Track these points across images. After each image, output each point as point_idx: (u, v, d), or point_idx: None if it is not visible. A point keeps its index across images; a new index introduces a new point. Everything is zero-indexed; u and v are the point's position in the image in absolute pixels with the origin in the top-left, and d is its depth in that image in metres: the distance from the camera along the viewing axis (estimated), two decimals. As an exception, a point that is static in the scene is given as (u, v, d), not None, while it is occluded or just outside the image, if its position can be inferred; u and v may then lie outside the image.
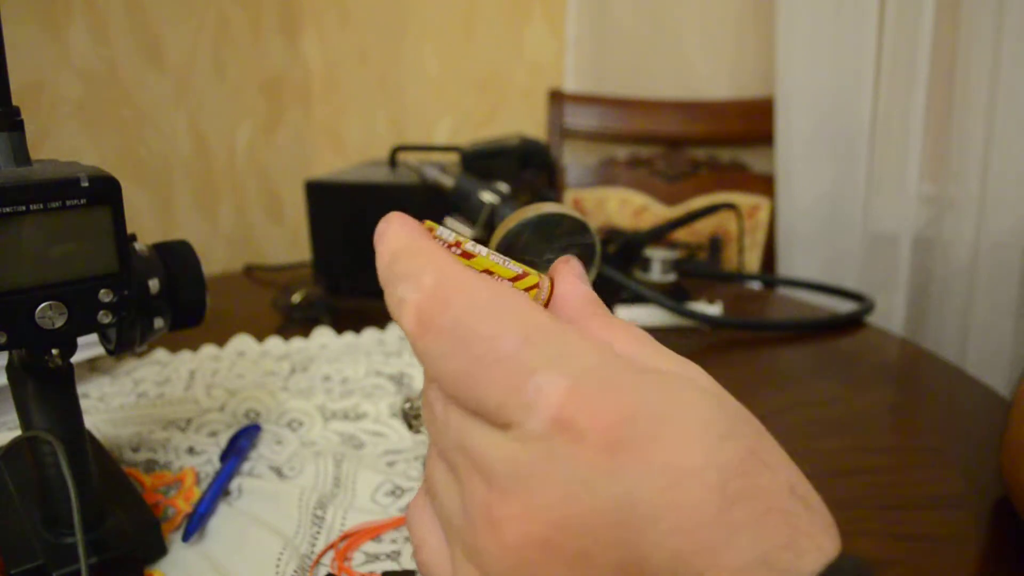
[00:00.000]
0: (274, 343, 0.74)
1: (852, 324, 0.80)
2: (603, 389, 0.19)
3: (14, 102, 0.34)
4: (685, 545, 0.18)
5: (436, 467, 0.23)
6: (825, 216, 1.29)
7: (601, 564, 0.18)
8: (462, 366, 0.20)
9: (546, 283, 0.25)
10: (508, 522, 0.19)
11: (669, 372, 0.21)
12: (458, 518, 0.21)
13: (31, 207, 0.32)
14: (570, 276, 0.25)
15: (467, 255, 0.23)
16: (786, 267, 1.32)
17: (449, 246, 0.23)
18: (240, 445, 0.52)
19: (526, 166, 0.85)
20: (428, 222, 0.24)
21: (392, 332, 0.76)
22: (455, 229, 0.73)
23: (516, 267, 0.24)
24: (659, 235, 0.91)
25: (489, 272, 0.23)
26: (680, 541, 0.18)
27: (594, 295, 0.24)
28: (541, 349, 0.19)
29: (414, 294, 0.21)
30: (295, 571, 0.40)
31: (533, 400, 0.19)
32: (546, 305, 0.24)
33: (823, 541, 0.19)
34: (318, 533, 0.44)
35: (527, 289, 0.24)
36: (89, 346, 0.60)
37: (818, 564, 0.18)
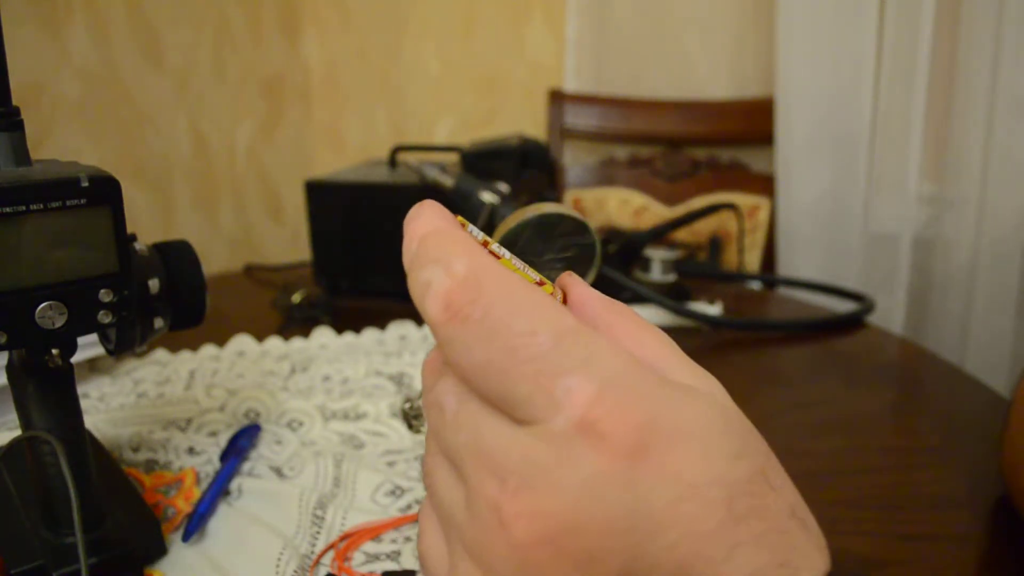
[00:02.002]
0: (274, 343, 0.74)
1: (852, 324, 0.80)
2: (628, 397, 0.19)
3: (14, 102, 0.34)
4: (689, 557, 0.18)
5: (438, 465, 0.22)
6: (825, 216, 1.29)
7: (607, 568, 0.18)
8: (492, 357, 0.19)
9: (559, 294, 0.25)
10: (518, 520, 0.19)
11: (690, 386, 0.21)
12: (460, 515, 0.21)
13: (31, 207, 0.32)
14: (581, 283, 0.25)
15: (493, 255, 0.23)
16: (786, 267, 1.32)
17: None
18: (240, 445, 0.52)
19: (526, 166, 0.85)
20: (460, 218, 0.23)
21: (392, 332, 0.76)
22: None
23: (535, 275, 0.24)
24: (659, 235, 0.91)
25: None
26: (685, 552, 0.18)
27: (612, 300, 0.25)
28: (573, 351, 0.19)
29: (444, 279, 0.20)
30: (295, 571, 0.40)
31: (561, 400, 0.19)
32: None
33: (817, 560, 0.20)
34: (318, 533, 0.44)
35: None
36: (89, 346, 0.60)
37: None
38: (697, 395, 0.21)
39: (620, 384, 0.19)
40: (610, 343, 0.20)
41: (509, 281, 0.20)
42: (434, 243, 0.21)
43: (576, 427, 0.18)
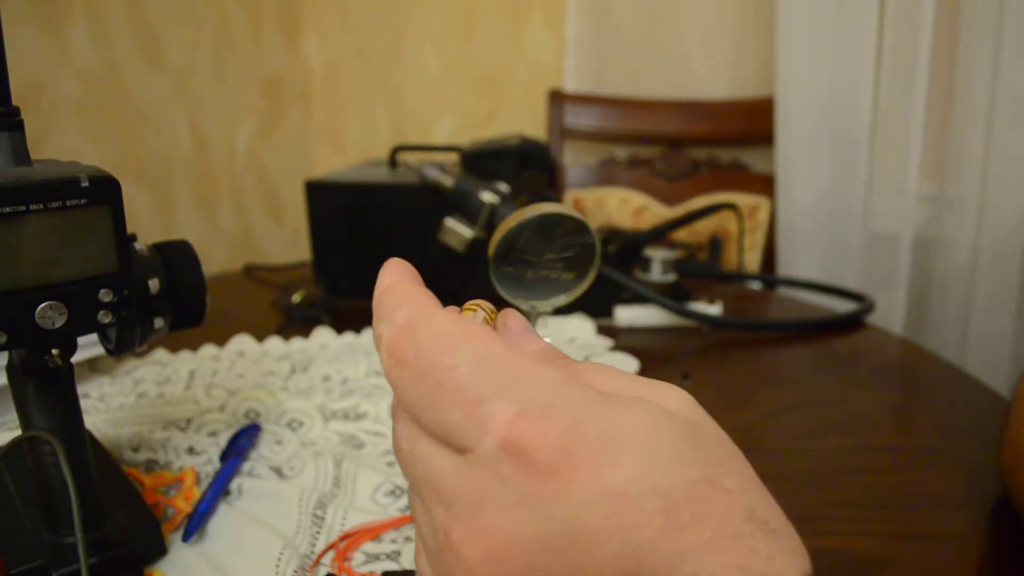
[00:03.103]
0: (274, 343, 0.74)
1: (852, 324, 0.80)
2: (549, 414, 0.19)
3: (14, 102, 0.34)
4: (631, 567, 0.18)
5: (413, 498, 0.24)
6: (825, 216, 1.29)
7: None
8: (427, 392, 0.21)
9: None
10: (464, 544, 0.20)
11: (628, 397, 0.21)
12: (431, 543, 0.22)
13: (31, 207, 0.32)
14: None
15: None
16: (786, 267, 1.32)
17: None
18: (240, 445, 0.52)
19: (526, 166, 0.85)
20: (468, 304, 0.26)
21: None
22: (458, 229, 0.73)
23: None
24: (659, 235, 0.91)
25: None
26: (626, 564, 0.18)
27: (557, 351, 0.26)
28: (495, 377, 0.20)
29: (387, 329, 0.22)
30: (295, 571, 0.40)
31: (487, 424, 0.20)
32: None
33: (784, 565, 0.19)
34: (318, 533, 0.44)
35: None
36: (89, 346, 0.60)
37: None
38: (634, 405, 0.21)
39: (541, 403, 0.20)
40: (537, 364, 0.21)
41: (438, 320, 0.22)
42: (385, 299, 0.24)
43: (501, 449, 0.19)
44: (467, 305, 0.26)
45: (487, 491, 0.20)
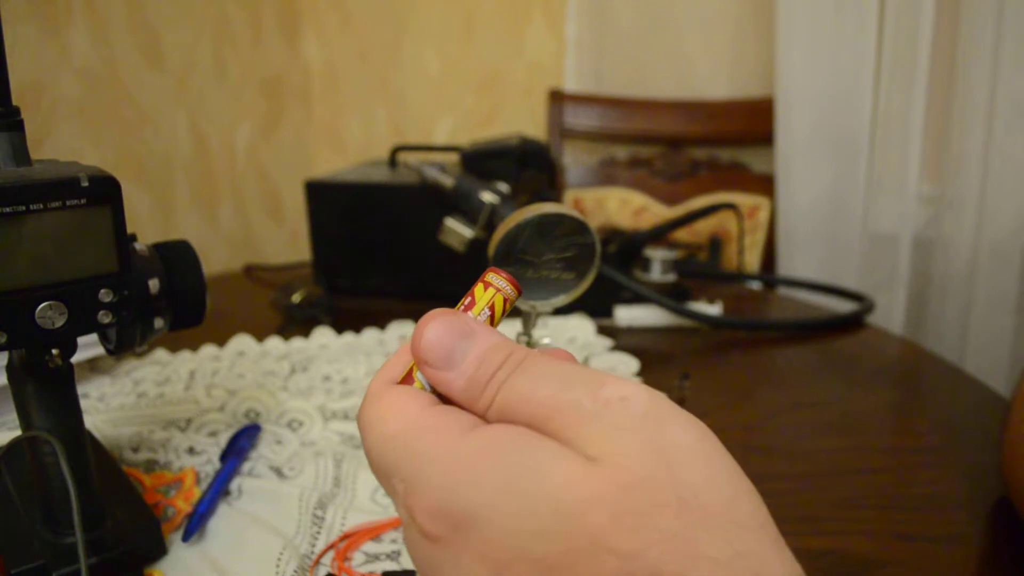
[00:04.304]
0: (274, 343, 0.74)
1: (852, 324, 0.80)
2: (427, 491, 0.21)
3: (14, 102, 0.34)
4: None
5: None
6: (825, 216, 1.29)
7: None
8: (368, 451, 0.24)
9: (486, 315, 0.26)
10: None
11: (523, 461, 0.21)
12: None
13: (31, 207, 0.32)
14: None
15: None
16: (786, 267, 1.32)
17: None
18: (240, 445, 0.52)
19: (526, 166, 0.84)
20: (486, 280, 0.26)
21: (392, 332, 0.76)
22: (458, 229, 0.73)
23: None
24: (659, 235, 0.91)
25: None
26: None
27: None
28: (395, 451, 0.23)
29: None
30: (295, 571, 0.40)
31: (400, 497, 0.23)
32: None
33: None
34: (318, 533, 0.44)
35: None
36: (89, 346, 0.60)
37: None
38: (506, 478, 0.20)
39: (423, 480, 0.21)
40: (427, 437, 0.22)
41: (372, 415, 0.24)
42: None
43: (407, 520, 0.22)
44: (478, 288, 0.26)
45: (411, 548, 0.23)
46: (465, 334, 0.23)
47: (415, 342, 0.24)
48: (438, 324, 0.24)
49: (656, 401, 0.21)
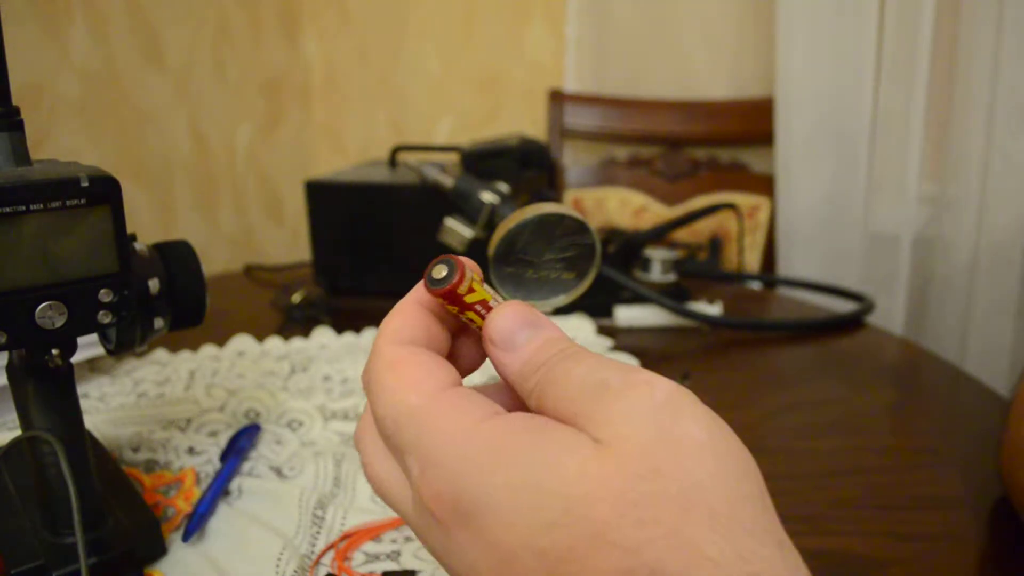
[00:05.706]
0: (274, 343, 0.74)
1: (852, 324, 0.80)
2: (442, 474, 0.21)
3: (14, 102, 0.34)
4: None
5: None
6: (825, 216, 1.29)
7: None
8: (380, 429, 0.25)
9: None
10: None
11: (534, 453, 0.21)
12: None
13: (31, 207, 0.32)
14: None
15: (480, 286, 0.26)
16: (786, 267, 1.32)
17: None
18: (240, 445, 0.52)
19: (526, 166, 0.84)
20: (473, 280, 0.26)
21: (392, 332, 0.76)
22: (458, 229, 0.73)
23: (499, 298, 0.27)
24: (659, 235, 0.91)
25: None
26: None
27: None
28: (407, 433, 0.23)
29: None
30: (295, 571, 0.40)
31: (410, 474, 0.23)
32: None
33: None
34: (318, 533, 0.44)
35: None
36: (89, 346, 0.60)
37: None
38: (531, 462, 0.20)
39: (438, 463, 0.22)
40: (445, 418, 0.22)
41: (392, 382, 0.24)
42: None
43: (419, 500, 0.22)
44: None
45: (423, 534, 0.23)
46: (531, 323, 0.25)
47: (488, 323, 0.26)
48: (511, 310, 0.25)
49: (679, 393, 0.21)
